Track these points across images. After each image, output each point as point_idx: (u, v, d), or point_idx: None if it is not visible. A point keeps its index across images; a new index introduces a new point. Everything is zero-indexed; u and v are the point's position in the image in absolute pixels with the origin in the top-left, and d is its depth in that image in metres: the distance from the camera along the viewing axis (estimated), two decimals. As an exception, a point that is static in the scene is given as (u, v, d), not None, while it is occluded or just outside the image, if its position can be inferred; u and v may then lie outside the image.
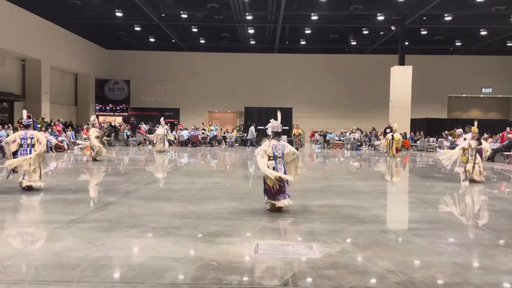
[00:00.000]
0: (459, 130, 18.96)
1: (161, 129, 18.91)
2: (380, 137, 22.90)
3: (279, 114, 6.94)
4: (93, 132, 13.81)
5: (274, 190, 6.14)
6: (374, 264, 4.11)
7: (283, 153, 6.32)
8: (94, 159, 13.76)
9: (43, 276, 3.68)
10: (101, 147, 14.01)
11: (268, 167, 6.16)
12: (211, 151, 21.48)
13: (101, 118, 29.63)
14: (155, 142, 23.22)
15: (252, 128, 23.83)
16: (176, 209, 6.48)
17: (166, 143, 19.05)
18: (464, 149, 10.00)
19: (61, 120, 22.74)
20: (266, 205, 6.44)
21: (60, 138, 18.89)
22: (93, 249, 4.40)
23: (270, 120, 6.66)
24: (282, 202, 6.20)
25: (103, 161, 13.91)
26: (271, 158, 6.27)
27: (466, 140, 10.37)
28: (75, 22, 24.30)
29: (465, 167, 9.98)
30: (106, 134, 21.09)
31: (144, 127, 25.31)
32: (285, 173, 6.22)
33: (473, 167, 9.74)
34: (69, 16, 23.07)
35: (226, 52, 31.49)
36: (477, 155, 9.75)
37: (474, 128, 10.00)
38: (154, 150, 18.93)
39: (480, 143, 9.86)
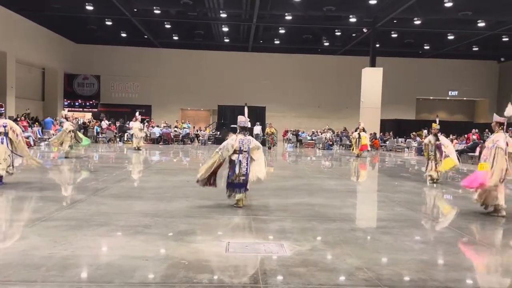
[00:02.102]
0: (425, 132, 19.53)
1: (137, 124, 18.55)
2: (351, 136, 23.30)
3: (245, 110, 7.08)
4: (68, 126, 13.45)
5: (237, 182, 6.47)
6: (343, 261, 4.19)
7: (249, 147, 6.55)
8: (66, 156, 13.41)
9: (6, 276, 3.56)
10: (70, 142, 13.55)
11: (234, 159, 6.48)
12: (183, 149, 21.29)
13: (69, 114, 28.82)
14: (126, 138, 22.87)
15: (256, 128, 23.58)
16: (147, 208, 6.40)
17: (141, 139, 18.75)
18: (426, 145, 10.31)
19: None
20: (230, 200, 6.61)
21: (26, 134, 18.26)
22: (59, 248, 4.28)
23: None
24: (243, 195, 6.53)
25: (72, 158, 13.54)
26: (237, 152, 6.49)
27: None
28: (43, 15, 23.52)
29: (427, 165, 10.25)
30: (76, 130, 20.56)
31: (105, 123, 24.76)
32: (247, 166, 6.49)
33: (436, 165, 9.98)
34: (37, 8, 22.31)
35: (200, 50, 31.24)
36: (437, 151, 10.00)
37: (434, 125, 10.30)
38: (132, 146, 18.47)
39: (438, 139, 10.10)
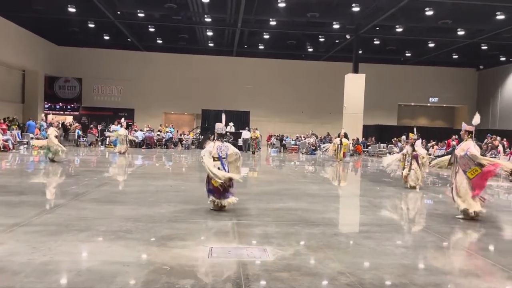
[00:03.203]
0: (403, 137, 19.88)
1: (123, 130, 18.42)
2: (333, 141, 23.48)
3: (223, 117, 7.21)
4: (52, 131, 13.31)
5: (221, 189, 6.39)
6: (326, 266, 4.20)
7: (227, 154, 6.62)
8: (52, 160, 13.19)
9: (-19, 283, 3.47)
10: (60, 146, 13.43)
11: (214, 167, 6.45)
12: (166, 153, 21.14)
13: (49, 117, 28.35)
14: (108, 142, 22.64)
15: (245, 132, 23.71)
16: (129, 212, 6.32)
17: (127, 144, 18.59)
18: (404, 155, 10.50)
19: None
20: (209, 204, 6.61)
21: (4, 137, 17.89)
22: (38, 254, 4.20)
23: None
24: (226, 201, 6.50)
25: (52, 162, 13.27)
26: (216, 159, 6.55)
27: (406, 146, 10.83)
28: (24, 16, 23.13)
29: (402, 173, 10.40)
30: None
31: (74, 126, 24.51)
32: (227, 172, 6.53)
33: (408, 173, 10.13)
34: (18, 9, 21.93)
35: (184, 54, 31.13)
36: (413, 161, 10.15)
37: (411, 135, 10.50)
38: (116, 151, 18.25)
39: (414, 149, 10.27)
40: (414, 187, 10.03)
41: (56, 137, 13.42)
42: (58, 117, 28.87)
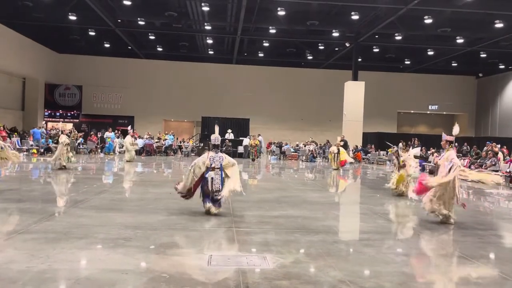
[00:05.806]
0: (400, 145, 19.88)
1: (129, 138, 18.52)
2: (330, 149, 23.45)
3: (216, 128, 7.38)
4: (65, 139, 13.35)
5: (211, 197, 6.75)
6: (326, 274, 4.18)
7: (221, 164, 6.82)
8: (63, 167, 13.20)
9: (-21, 291, 3.44)
10: (71, 153, 13.52)
11: (207, 176, 6.73)
12: (166, 160, 21.12)
13: (49, 125, 28.41)
14: (118, 151, 22.73)
15: (246, 140, 23.95)
16: (128, 220, 6.29)
17: (133, 152, 18.69)
18: (395, 166, 10.70)
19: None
20: (204, 208, 6.84)
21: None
22: (36, 262, 4.17)
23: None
24: (215, 209, 6.77)
25: (63, 169, 13.20)
26: (209, 169, 6.79)
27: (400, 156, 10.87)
28: (25, 24, 23.21)
29: (391, 182, 10.44)
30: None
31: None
32: (222, 184, 6.76)
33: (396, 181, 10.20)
34: (19, 17, 22.02)
35: (184, 61, 31.24)
36: (402, 170, 10.20)
37: (391, 150, 10.69)
38: (125, 159, 18.37)
39: (399, 161, 10.39)
40: (402, 194, 10.00)
41: (68, 144, 13.47)
42: (60, 124, 28.97)
